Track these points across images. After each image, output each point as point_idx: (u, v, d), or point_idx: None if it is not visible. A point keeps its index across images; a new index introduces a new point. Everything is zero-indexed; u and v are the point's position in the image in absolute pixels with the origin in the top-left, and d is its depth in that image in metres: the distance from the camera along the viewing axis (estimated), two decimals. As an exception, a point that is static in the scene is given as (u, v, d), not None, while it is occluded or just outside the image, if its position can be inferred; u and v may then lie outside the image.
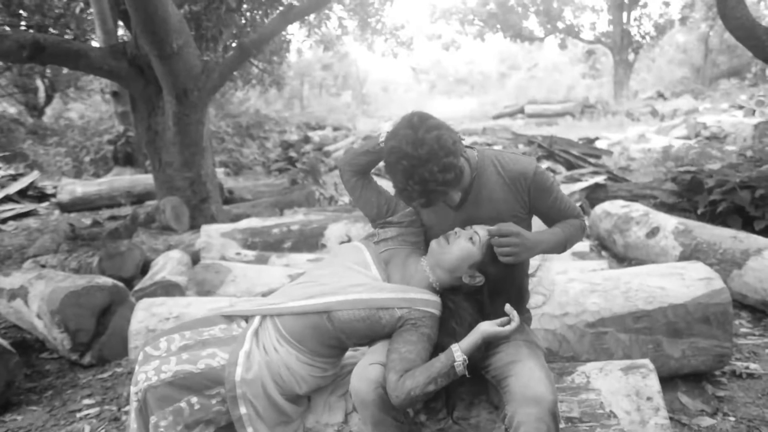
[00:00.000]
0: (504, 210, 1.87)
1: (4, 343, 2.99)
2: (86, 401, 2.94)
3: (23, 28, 6.38)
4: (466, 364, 1.66)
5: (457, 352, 1.67)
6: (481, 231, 1.81)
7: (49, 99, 16.23)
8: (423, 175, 1.63)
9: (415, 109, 1.78)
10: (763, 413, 2.41)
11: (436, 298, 1.84)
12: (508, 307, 1.74)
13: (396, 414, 1.73)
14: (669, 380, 2.57)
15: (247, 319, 1.94)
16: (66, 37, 7.44)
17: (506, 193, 1.86)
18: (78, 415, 2.81)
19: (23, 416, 2.82)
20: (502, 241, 1.73)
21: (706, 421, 2.36)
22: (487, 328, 1.71)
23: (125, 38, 8.21)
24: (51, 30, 7.32)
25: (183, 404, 1.69)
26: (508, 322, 1.72)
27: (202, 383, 1.72)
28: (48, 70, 13.74)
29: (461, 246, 1.79)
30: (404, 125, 1.68)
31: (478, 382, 1.86)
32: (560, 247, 1.90)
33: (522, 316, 1.99)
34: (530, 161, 1.88)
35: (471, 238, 1.79)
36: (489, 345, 1.80)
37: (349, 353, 2.10)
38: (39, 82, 15.41)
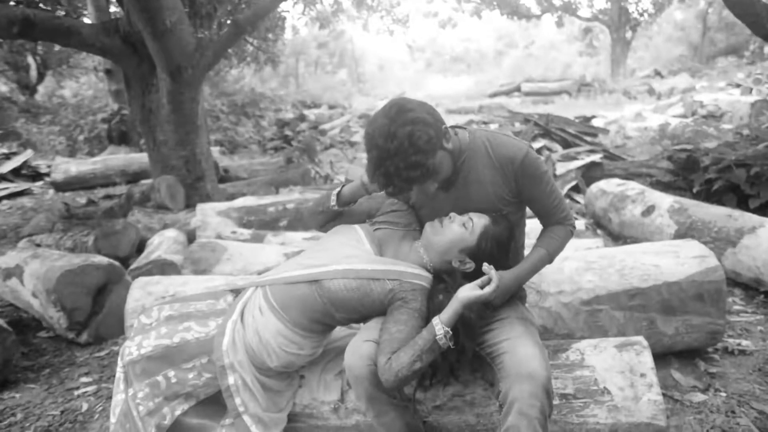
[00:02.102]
0: (492, 193, 1.86)
1: (1, 321, 2.99)
2: (83, 379, 2.96)
3: (12, 3, 6.27)
4: (449, 336, 1.65)
5: (438, 326, 1.66)
6: (477, 218, 1.82)
7: (41, 77, 16.04)
8: (389, 169, 1.64)
9: (401, 96, 1.78)
10: (753, 389, 2.44)
11: (427, 273, 1.84)
12: (485, 266, 1.72)
13: (389, 390, 1.74)
14: (662, 357, 2.60)
15: (236, 294, 1.96)
16: (57, 13, 7.31)
17: (495, 176, 1.85)
18: (76, 392, 2.83)
19: (21, 394, 2.83)
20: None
21: (698, 397, 2.39)
22: (465, 294, 1.68)
23: (118, 15, 8.09)
24: (41, 6, 7.19)
25: (160, 378, 1.73)
26: (488, 282, 1.70)
27: (179, 356, 1.75)
28: (39, 47, 13.57)
29: (454, 230, 1.80)
30: (383, 113, 1.67)
31: (474, 359, 1.87)
32: (544, 266, 1.93)
33: (517, 294, 2.00)
34: (521, 146, 1.84)
35: (464, 224, 1.80)
36: (483, 317, 1.81)
37: (343, 332, 2.11)
38: (30, 60, 15.22)
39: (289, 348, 1.83)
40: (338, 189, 1.95)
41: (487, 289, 1.67)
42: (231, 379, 1.75)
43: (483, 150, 1.85)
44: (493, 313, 1.86)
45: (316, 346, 1.92)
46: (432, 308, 1.78)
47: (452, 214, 1.84)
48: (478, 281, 1.70)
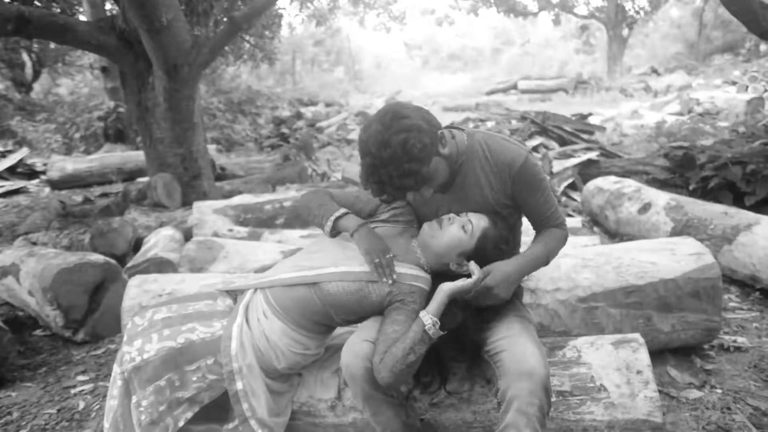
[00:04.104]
0: (489, 196, 1.85)
1: (-3, 320, 2.99)
2: (80, 377, 2.96)
3: (7, 0, 6.25)
4: (438, 325, 1.66)
5: (425, 316, 1.66)
6: (475, 219, 1.80)
7: (36, 74, 15.95)
8: (381, 177, 1.63)
9: (396, 101, 1.76)
10: (749, 385, 2.45)
11: (425, 275, 1.83)
12: (473, 264, 1.75)
13: (386, 388, 1.74)
14: (658, 354, 2.60)
15: (236, 297, 1.95)
16: (52, 10, 7.29)
17: (491, 179, 1.83)
18: (72, 391, 2.82)
19: (17, 392, 2.83)
20: (482, 296, 1.76)
21: (694, 394, 2.39)
22: (449, 285, 1.71)
23: (113, 12, 8.07)
24: (36, 3, 7.16)
25: (163, 382, 1.68)
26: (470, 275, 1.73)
27: (183, 358, 1.72)
28: (35, 45, 13.50)
29: (452, 233, 1.78)
30: (378, 119, 1.65)
31: (471, 357, 1.87)
32: (540, 265, 1.90)
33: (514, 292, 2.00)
34: (519, 152, 1.81)
35: (464, 227, 1.78)
36: (483, 318, 1.81)
37: (339, 330, 2.11)
38: (26, 57, 15.13)
39: (295, 348, 1.83)
40: (332, 219, 1.86)
41: (470, 280, 1.71)
42: (239, 384, 1.74)
43: (480, 153, 1.83)
44: (493, 313, 1.85)
45: (320, 345, 1.92)
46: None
47: (451, 216, 1.82)
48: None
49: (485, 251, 1.80)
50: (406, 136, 1.60)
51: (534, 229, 1.98)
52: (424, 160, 1.63)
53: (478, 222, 1.80)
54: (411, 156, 1.60)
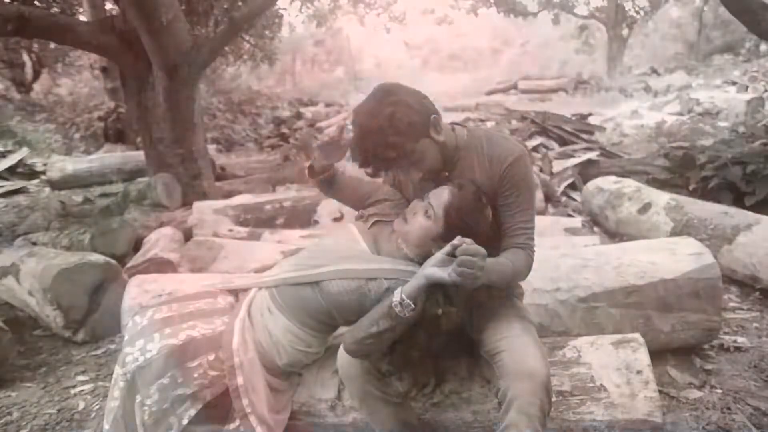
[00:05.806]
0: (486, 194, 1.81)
1: (-3, 320, 2.98)
2: (80, 378, 2.95)
3: (7, 0, 6.25)
4: (407, 305, 1.60)
5: (397, 292, 1.64)
6: (436, 200, 1.71)
7: (36, 74, 15.95)
8: (366, 146, 1.64)
9: (393, 82, 1.73)
10: (749, 385, 2.45)
11: (417, 267, 1.82)
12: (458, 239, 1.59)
13: (383, 387, 1.74)
14: (658, 354, 2.60)
15: (237, 295, 1.95)
16: (52, 10, 7.29)
17: (486, 175, 1.79)
18: (72, 391, 2.82)
19: (17, 393, 2.83)
20: (465, 261, 1.50)
21: (694, 394, 2.39)
22: (430, 271, 1.60)
23: (113, 12, 8.07)
24: (36, 3, 7.16)
25: (166, 380, 1.68)
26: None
27: (185, 355, 1.71)
28: (35, 45, 13.51)
29: (418, 224, 1.73)
30: (372, 94, 1.68)
31: (470, 357, 1.87)
32: (505, 281, 1.72)
33: (513, 291, 2.00)
34: (515, 149, 1.78)
35: (426, 212, 1.72)
36: (482, 318, 1.80)
37: (341, 330, 2.10)
38: (26, 57, 15.13)
39: (298, 345, 1.83)
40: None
41: (452, 275, 1.55)
42: (240, 380, 1.74)
43: (479, 149, 1.82)
44: (491, 313, 1.84)
45: (322, 344, 1.92)
46: (427, 318, 1.71)
47: (414, 203, 1.78)
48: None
49: (459, 222, 1.69)
50: (393, 110, 1.61)
51: (502, 240, 1.81)
52: (409, 136, 1.64)
53: (439, 200, 1.72)
54: (396, 129, 1.61)
